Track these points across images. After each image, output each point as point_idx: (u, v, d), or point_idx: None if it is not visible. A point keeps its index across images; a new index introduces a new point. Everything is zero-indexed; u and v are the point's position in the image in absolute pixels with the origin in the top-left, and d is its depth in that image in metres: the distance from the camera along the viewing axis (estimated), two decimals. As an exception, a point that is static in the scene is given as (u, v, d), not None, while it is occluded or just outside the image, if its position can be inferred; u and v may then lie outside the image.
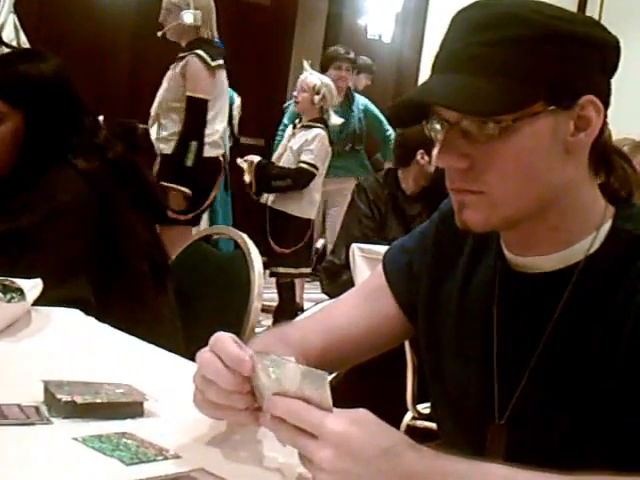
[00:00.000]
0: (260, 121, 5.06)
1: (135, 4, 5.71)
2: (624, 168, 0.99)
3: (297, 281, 4.76)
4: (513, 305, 0.98)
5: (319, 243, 6.13)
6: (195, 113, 3.97)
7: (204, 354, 0.87)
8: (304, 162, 4.38)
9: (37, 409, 0.94)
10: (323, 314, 1.16)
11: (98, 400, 0.94)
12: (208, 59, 3.96)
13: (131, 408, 0.97)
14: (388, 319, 1.12)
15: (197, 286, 1.93)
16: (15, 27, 3.83)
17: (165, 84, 4.07)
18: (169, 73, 4.06)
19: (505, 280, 0.99)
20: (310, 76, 4.53)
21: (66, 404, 0.93)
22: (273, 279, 4.63)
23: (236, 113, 5.07)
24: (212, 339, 0.88)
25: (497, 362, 0.97)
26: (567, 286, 0.92)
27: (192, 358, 1.24)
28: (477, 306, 1.01)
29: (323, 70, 5.20)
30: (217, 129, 4.08)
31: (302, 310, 4.69)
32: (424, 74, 6.35)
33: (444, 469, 0.75)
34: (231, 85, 4.58)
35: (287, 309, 4.65)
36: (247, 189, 4.50)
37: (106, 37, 5.57)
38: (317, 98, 4.43)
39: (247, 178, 4.48)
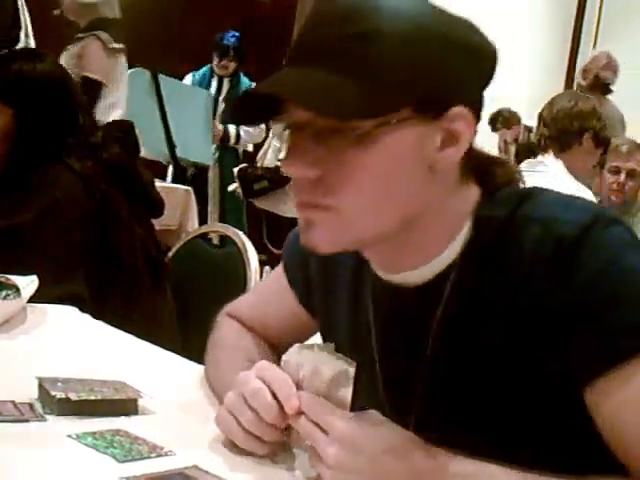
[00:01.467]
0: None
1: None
2: (507, 174, 0.90)
3: None
4: (389, 321, 0.91)
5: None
6: (87, 95, 3.84)
7: (253, 381, 0.84)
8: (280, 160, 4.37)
9: (31, 406, 0.94)
10: (255, 292, 1.23)
11: (92, 397, 0.94)
12: (108, 40, 3.77)
13: (125, 405, 0.96)
14: (295, 311, 1.10)
15: (193, 283, 1.93)
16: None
17: None
18: (63, 54, 3.79)
19: (380, 296, 0.92)
20: None
21: (60, 401, 0.93)
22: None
23: None
24: (259, 366, 0.86)
25: (384, 380, 0.93)
26: (440, 296, 0.86)
27: (188, 356, 1.25)
28: (361, 320, 0.95)
29: None
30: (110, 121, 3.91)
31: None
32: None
33: (452, 469, 0.75)
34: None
35: None
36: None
37: None
38: None
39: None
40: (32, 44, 3.55)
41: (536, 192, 0.87)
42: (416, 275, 0.88)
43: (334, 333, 1.01)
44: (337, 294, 1.00)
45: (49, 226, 1.58)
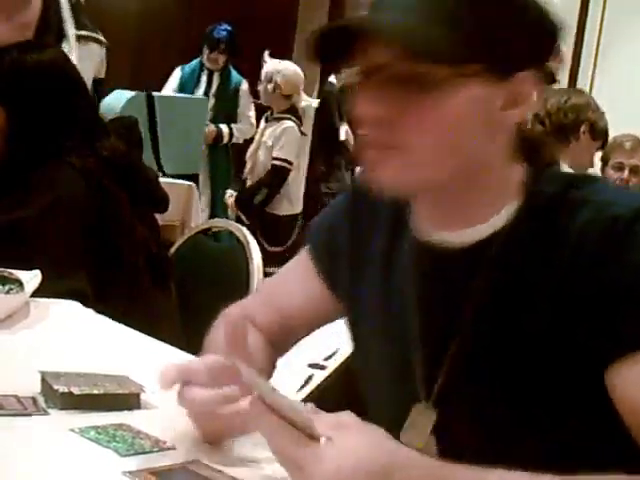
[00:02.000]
0: (261, 113, 5.07)
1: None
2: (552, 154, 0.96)
3: None
4: (428, 283, 0.93)
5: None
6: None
7: (181, 394, 0.86)
8: (276, 159, 4.33)
9: (34, 400, 0.94)
10: (266, 288, 1.18)
11: (95, 391, 0.95)
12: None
13: (128, 400, 0.97)
14: (320, 297, 1.09)
15: (196, 279, 1.93)
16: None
17: None
18: None
19: (420, 257, 0.94)
20: (265, 65, 4.44)
21: (63, 395, 0.93)
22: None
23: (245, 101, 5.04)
24: (178, 373, 0.86)
25: (418, 342, 0.93)
26: (485, 260, 0.88)
27: (191, 351, 1.25)
28: (396, 283, 0.96)
29: None
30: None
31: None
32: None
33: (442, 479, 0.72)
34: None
35: None
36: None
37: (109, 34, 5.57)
38: (270, 86, 4.33)
39: (230, 212, 4.48)
40: (74, 57, 3.53)
41: (590, 178, 0.91)
42: (458, 237, 0.90)
43: (362, 311, 1.02)
44: (367, 269, 1.01)
45: (51, 223, 1.57)
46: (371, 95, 0.83)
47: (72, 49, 3.39)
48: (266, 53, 4.54)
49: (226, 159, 4.97)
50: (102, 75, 4.09)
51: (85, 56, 3.73)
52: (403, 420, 0.93)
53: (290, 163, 4.34)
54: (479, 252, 0.88)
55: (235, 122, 5.01)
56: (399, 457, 0.71)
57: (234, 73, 5.09)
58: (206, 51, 5.00)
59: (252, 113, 5.07)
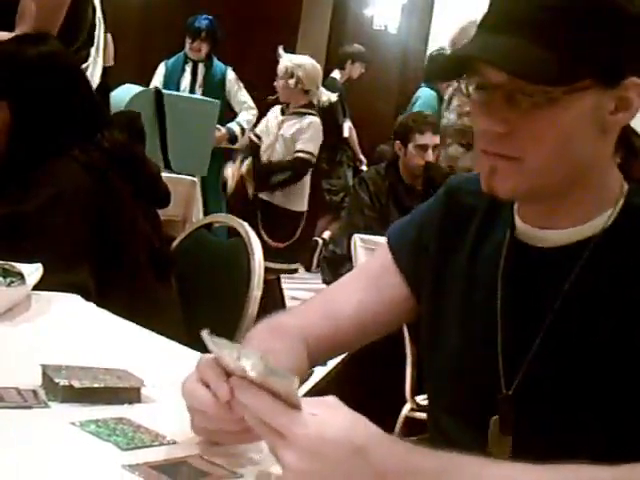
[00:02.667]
0: (264, 113, 5.06)
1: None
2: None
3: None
4: (520, 278, 0.98)
5: (325, 234, 6.13)
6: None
7: (187, 383, 0.84)
8: (301, 151, 4.31)
9: (35, 393, 0.94)
10: (324, 299, 1.15)
11: (96, 385, 0.95)
12: None
13: (128, 394, 0.97)
14: (393, 297, 1.11)
15: (197, 274, 1.93)
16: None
17: None
18: None
19: (513, 253, 0.99)
20: (282, 60, 4.41)
21: (64, 388, 0.93)
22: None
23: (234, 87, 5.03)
24: (197, 363, 0.85)
25: (502, 336, 0.97)
26: (578, 261, 0.93)
27: (192, 346, 1.25)
28: (483, 278, 1.01)
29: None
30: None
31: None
32: (430, 64, 6.34)
33: (417, 466, 0.74)
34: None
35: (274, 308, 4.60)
36: (239, 187, 4.45)
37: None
38: (292, 82, 4.33)
39: (235, 176, 4.42)
40: (100, 62, 3.51)
41: None
42: (561, 234, 0.95)
43: (443, 306, 1.05)
44: (453, 262, 1.06)
45: (53, 217, 1.57)
46: (488, 110, 0.90)
47: (99, 56, 3.36)
48: (280, 48, 4.52)
49: (218, 163, 4.95)
50: (110, 63, 4.09)
51: None
52: (481, 417, 0.96)
53: (314, 156, 4.34)
54: (574, 253, 0.94)
55: (225, 110, 5.00)
56: (379, 437, 0.74)
57: (218, 62, 5.09)
58: (188, 41, 5.02)
59: (247, 97, 5.08)
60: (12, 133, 1.66)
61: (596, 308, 0.92)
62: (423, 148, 3.73)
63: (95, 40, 3.22)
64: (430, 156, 3.73)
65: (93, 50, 3.39)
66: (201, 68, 5.07)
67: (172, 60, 5.13)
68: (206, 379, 0.82)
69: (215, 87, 5.05)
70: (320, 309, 1.12)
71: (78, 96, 1.72)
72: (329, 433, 0.71)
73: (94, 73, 3.43)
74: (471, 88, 0.93)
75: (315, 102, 4.42)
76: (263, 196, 4.41)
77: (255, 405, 0.74)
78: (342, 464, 0.71)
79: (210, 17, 5.02)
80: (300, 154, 4.31)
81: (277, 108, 4.51)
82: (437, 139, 3.85)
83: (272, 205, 4.38)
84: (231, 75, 5.06)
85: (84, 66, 3.05)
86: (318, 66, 4.46)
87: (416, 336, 2.02)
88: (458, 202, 1.07)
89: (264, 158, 4.45)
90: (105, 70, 3.84)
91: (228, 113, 5.07)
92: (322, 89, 4.47)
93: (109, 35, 3.93)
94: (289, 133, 4.34)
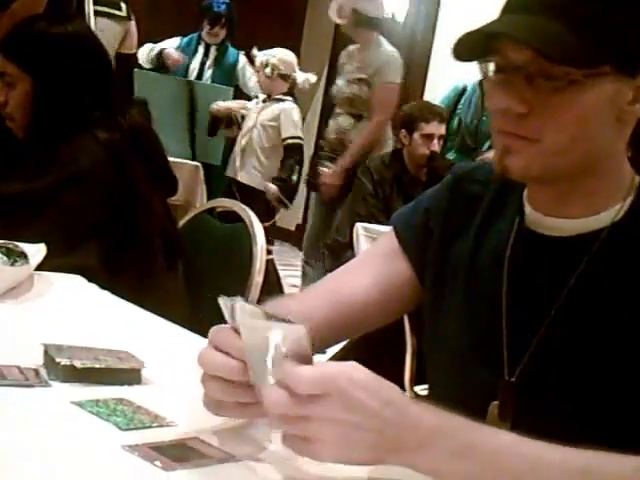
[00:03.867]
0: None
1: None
2: None
3: None
4: (527, 265, 0.99)
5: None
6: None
7: (203, 351, 0.84)
8: (289, 137, 4.38)
9: (36, 372, 0.95)
10: (328, 284, 1.15)
11: (97, 365, 0.95)
12: None
13: (129, 375, 0.97)
14: (399, 283, 1.11)
15: (199, 259, 1.93)
16: None
17: None
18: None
19: (521, 240, 1.00)
20: (256, 58, 4.53)
21: (65, 368, 0.94)
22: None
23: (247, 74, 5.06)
24: (211, 332, 0.84)
25: (506, 322, 0.98)
26: (587, 252, 0.94)
27: (193, 329, 1.25)
28: (488, 265, 1.02)
29: None
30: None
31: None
32: (437, 53, 6.30)
33: (414, 420, 0.74)
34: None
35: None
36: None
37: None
38: (268, 70, 4.40)
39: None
40: None
41: None
42: (571, 224, 0.96)
43: (446, 290, 1.06)
44: (456, 247, 1.06)
45: (70, 194, 1.57)
46: (508, 90, 0.90)
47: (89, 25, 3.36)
48: (254, 49, 4.58)
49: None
50: (130, 50, 4.08)
51: (100, 31, 3.74)
52: (482, 404, 0.97)
53: (300, 138, 4.39)
54: (583, 243, 0.94)
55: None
56: (400, 395, 0.75)
57: (231, 47, 5.11)
58: (207, 26, 5.02)
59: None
60: (35, 107, 1.68)
61: (603, 300, 0.92)
62: (429, 137, 3.73)
63: (86, 13, 3.22)
64: (435, 146, 3.73)
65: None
66: (213, 51, 5.09)
67: (187, 39, 5.16)
68: (222, 345, 0.81)
69: (226, 71, 5.07)
70: (325, 294, 1.12)
71: (101, 74, 1.74)
72: (364, 384, 0.72)
73: None
74: (490, 69, 0.93)
75: (295, 87, 4.47)
76: (241, 179, 4.45)
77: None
78: (379, 414, 0.72)
79: (227, 1, 5.02)
80: (288, 141, 4.36)
81: (261, 96, 4.59)
82: (443, 129, 3.84)
83: (248, 187, 4.42)
84: (243, 60, 5.07)
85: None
86: (291, 53, 4.54)
87: (416, 325, 2.02)
88: (464, 189, 1.08)
89: (242, 142, 4.50)
90: (130, 56, 3.86)
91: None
92: (299, 72, 4.50)
93: (133, 22, 3.95)
94: (267, 119, 4.41)
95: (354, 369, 0.73)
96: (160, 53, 5.00)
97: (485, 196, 1.06)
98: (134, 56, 4.23)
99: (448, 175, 1.13)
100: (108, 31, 3.84)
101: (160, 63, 5.04)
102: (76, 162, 1.61)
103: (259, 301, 1.60)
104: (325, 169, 4.41)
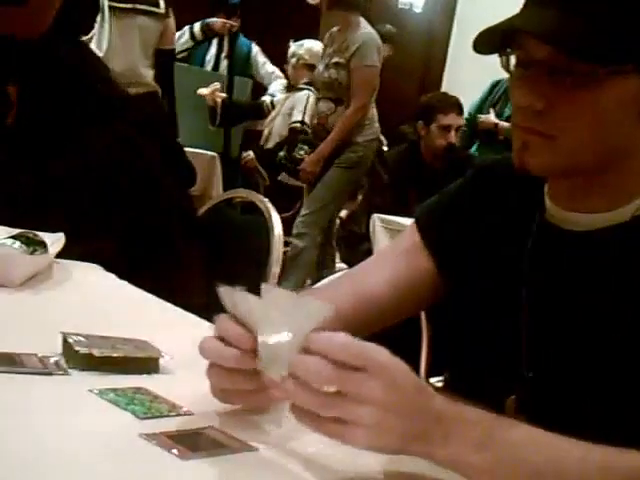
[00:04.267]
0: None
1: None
2: None
3: None
4: (548, 259, 0.98)
5: (342, 213, 6.15)
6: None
7: (203, 340, 0.84)
8: (292, 122, 4.43)
9: (55, 360, 0.96)
10: (351, 278, 1.16)
11: (115, 354, 0.96)
12: None
13: (147, 364, 0.98)
14: (422, 276, 1.11)
15: (217, 249, 1.94)
16: None
17: None
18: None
19: (542, 234, 1.00)
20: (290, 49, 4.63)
21: (83, 356, 0.94)
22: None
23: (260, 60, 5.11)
24: (215, 321, 0.85)
25: (527, 317, 0.98)
26: (608, 246, 0.94)
27: (213, 320, 1.25)
28: (509, 259, 1.02)
29: None
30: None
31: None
32: (455, 44, 6.27)
33: (471, 416, 0.75)
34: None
35: None
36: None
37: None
38: (294, 60, 4.47)
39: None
40: (107, 29, 3.53)
41: None
42: (591, 218, 0.96)
43: (470, 277, 1.06)
44: (478, 239, 1.06)
45: (82, 185, 1.58)
46: (528, 86, 0.90)
47: (105, 22, 3.38)
48: (291, 41, 4.63)
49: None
50: (170, 45, 4.14)
51: (128, 29, 3.78)
52: (500, 397, 0.97)
53: (305, 124, 4.41)
54: (604, 238, 0.94)
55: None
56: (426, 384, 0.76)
57: (242, 37, 5.15)
58: (222, 17, 5.06)
59: (273, 67, 5.15)
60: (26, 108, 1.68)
61: (624, 294, 0.91)
62: (446, 129, 3.72)
63: (100, 6, 3.21)
64: (453, 137, 3.72)
65: (99, 17, 3.41)
66: (226, 40, 5.11)
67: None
68: (222, 332, 0.81)
69: (240, 61, 5.10)
70: (348, 288, 1.12)
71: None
72: (400, 366, 0.72)
73: (101, 39, 3.45)
74: (512, 63, 0.92)
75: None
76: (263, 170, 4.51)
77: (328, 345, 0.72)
78: (412, 398, 0.72)
79: None
80: (291, 125, 4.41)
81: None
82: (461, 120, 3.83)
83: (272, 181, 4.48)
84: (256, 49, 5.12)
85: (90, 35, 3.06)
86: (320, 44, 4.54)
87: (433, 317, 2.02)
88: (487, 183, 1.08)
89: (265, 132, 4.56)
90: (169, 51, 3.91)
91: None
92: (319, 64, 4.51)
93: (171, 19, 3.99)
94: (287, 107, 4.47)
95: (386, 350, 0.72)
96: (206, 25, 5.03)
97: (507, 190, 1.06)
98: (173, 51, 4.28)
99: (470, 170, 1.13)
100: (147, 28, 3.89)
101: (208, 35, 5.08)
102: (89, 153, 1.61)
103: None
104: (305, 155, 4.34)
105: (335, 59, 4.22)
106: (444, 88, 6.05)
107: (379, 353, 0.72)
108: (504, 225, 1.05)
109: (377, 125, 4.27)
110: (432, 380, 2.34)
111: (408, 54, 6.69)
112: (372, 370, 0.70)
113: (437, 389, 0.80)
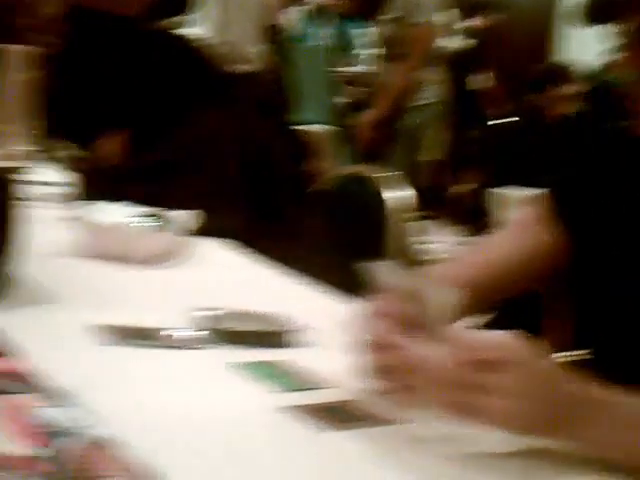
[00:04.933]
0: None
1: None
2: None
3: None
4: None
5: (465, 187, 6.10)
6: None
7: (362, 317, 0.82)
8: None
9: (189, 335, 0.97)
10: (477, 250, 1.15)
11: (250, 328, 0.97)
12: None
13: (282, 337, 0.98)
14: (553, 244, 1.09)
15: (333, 225, 1.94)
16: None
17: None
18: None
19: None
20: None
21: (220, 331, 0.96)
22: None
23: None
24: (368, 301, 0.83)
25: None
26: None
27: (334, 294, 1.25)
28: None
29: None
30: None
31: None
32: (564, 14, 6.06)
33: (613, 396, 0.74)
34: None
35: None
36: None
37: None
38: None
39: None
40: (212, 7, 3.59)
41: None
42: None
43: (608, 242, 1.03)
44: (613, 203, 1.03)
45: (208, 163, 1.61)
46: None
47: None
48: None
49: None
50: (275, 21, 4.17)
51: (233, 6, 3.81)
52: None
53: None
54: None
55: None
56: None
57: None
58: None
59: None
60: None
61: None
62: (564, 98, 3.62)
63: None
64: (571, 106, 3.62)
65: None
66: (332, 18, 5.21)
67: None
68: (387, 309, 0.80)
69: (344, 37, 5.21)
70: (477, 260, 1.11)
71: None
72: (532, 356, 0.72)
73: (206, 17, 3.47)
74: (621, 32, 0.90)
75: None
76: None
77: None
78: (539, 388, 0.72)
79: None
80: None
81: None
82: (574, 89, 3.73)
83: None
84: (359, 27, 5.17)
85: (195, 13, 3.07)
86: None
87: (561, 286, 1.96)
88: (621, 151, 1.04)
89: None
90: (274, 26, 3.95)
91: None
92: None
93: None
94: None
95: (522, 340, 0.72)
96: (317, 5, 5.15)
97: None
98: (278, 26, 4.32)
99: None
100: (253, 5, 3.92)
101: (320, 12, 5.21)
102: (204, 132, 1.64)
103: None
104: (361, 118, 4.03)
105: (390, 15, 3.97)
106: (556, 57, 5.88)
107: (518, 345, 0.72)
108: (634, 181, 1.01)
109: (431, 88, 4.01)
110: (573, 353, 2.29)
111: (528, 21, 6.49)
112: (513, 362, 0.71)
113: (576, 369, 0.77)
